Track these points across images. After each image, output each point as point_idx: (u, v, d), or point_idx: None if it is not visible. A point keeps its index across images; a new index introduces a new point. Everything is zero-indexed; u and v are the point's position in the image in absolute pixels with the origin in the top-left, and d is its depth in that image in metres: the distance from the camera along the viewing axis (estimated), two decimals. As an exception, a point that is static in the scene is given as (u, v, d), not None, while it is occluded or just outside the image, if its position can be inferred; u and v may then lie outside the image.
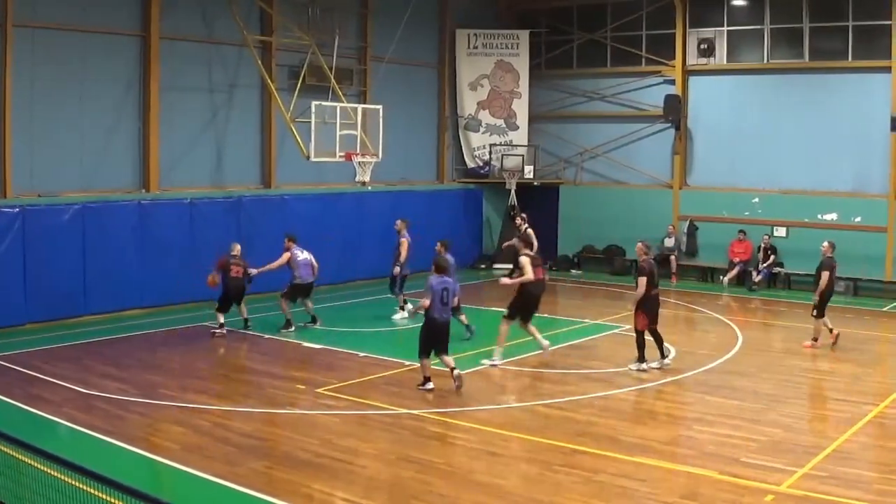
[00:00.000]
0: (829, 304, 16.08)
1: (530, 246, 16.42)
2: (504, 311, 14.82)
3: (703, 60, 24.50)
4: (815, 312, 15.91)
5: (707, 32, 24.43)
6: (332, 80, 20.24)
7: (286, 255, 16.82)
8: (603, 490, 9.11)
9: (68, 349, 15.19)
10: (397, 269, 17.95)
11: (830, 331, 16.09)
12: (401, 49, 22.98)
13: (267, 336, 16.54)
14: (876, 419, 11.72)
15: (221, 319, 16.43)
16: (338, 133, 19.12)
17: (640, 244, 14.38)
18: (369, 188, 21.46)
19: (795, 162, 23.23)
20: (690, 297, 21.73)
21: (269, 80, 20.38)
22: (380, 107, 20.52)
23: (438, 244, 15.92)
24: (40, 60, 17.30)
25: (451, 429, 11.18)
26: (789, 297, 21.62)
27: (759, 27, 23.72)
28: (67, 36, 17.70)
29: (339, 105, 19.38)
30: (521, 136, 27.13)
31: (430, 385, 12.81)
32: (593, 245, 26.24)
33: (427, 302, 12.52)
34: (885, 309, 20.48)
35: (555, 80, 27.20)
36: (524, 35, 27.05)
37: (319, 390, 12.82)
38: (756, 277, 22.86)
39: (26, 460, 7.48)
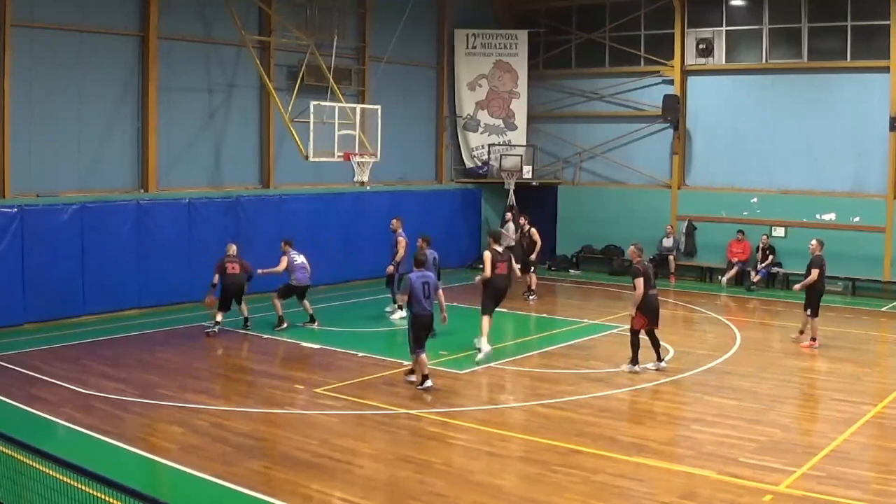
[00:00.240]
0: (821, 303, 16.18)
1: (497, 241, 16.14)
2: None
3: (702, 60, 24.51)
4: (808, 312, 15.96)
5: (706, 32, 24.44)
6: (331, 80, 20.23)
7: (285, 259, 16.87)
8: (601, 490, 9.12)
9: (67, 349, 15.19)
10: (391, 268, 17.97)
11: (801, 332, 16.32)
12: (399, 49, 22.98)
13: (265, 336, 16.53)
14: (874, 419, 11.73)
15: (219, 318, 16.43)
16: (336, 133, 19.13)
17: (632, 247, 14.36)
18: (368, 188, 21.47)
19: (794, 162, 23.25)
20: (689, 297, 21.74)
21: (267, 80, 20.38)
22: (378, 107, 20.54)
23: (420, 239, 15.98)
24: (39, 60, 17.30)
25: (449, 429, 11.17)
26: (788, 297, 21.61)
27: (757, 27, 23.72)
28: (66, 36, 17.70)
29: (337, 105, 19.37)
30: (519, 136, 27.14)
31: (429, 383, 12.78)
32: (592, 245, 26.25)
33: (406, 299, 12.82)
34: (883, 309, 20.50)
35: (553, 80, 27.21)
36: (523, 35, 27.06)
37: (318, 390, 12.82)
38: (754, 277, 22.87)
39: (25, 460, 7.47)
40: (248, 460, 9.88)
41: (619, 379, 13.67)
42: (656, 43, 25.31)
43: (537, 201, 25.63)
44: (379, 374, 13.80)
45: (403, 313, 18.03)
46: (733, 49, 24.20)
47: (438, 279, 14.11)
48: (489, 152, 26.82)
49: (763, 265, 22.91)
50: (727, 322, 18.76)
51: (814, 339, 15.92)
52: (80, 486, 6.47)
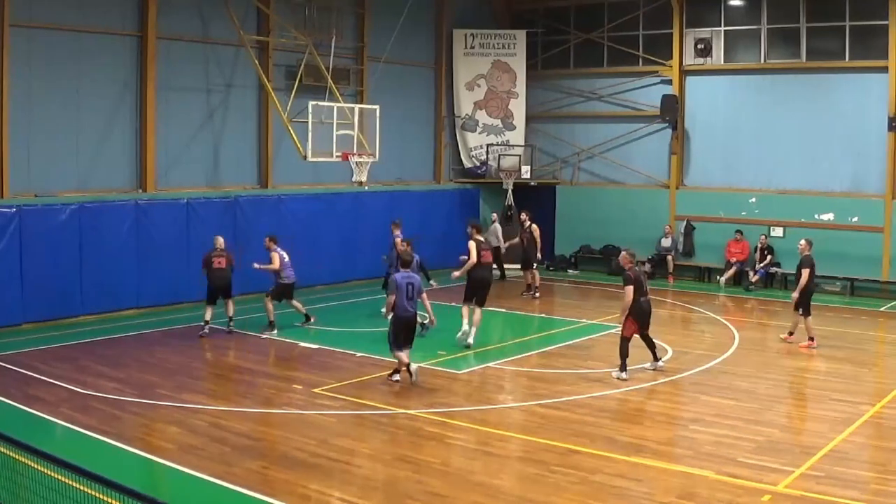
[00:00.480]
0: (815, 302, 16.31)
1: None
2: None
3: (700, 60, 24.52)
4: (800, 311, 16.02)
5: (704, 32, 24.44)
6: (329, 80, 20.23)
7: (276, 256, 16.77)
8: (599, 490, 9.12)
9: (65, 349, 15.18)
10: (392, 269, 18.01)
11: (791, 333, 16.37)
12: (397, 49, 22.98)
13: (264, 336, 16.52)
14: (873, 419, 11.73)
15: (207, 316, 16.37)
16: (334, 133, 19.12)
17: (624, 253, 14.25)
18: (366, 188, 21.47)
19: (792, 162, 23.26)
20: (687, 297, 21.75)
21: (265, 81, 20.38)
22: (377, 107, 20.53)
23: (404, 244, 16.06)
24: (37, 61, 17.29)
25: (447, 429, 11.17)
26: (786, 297, 21.44)
27: (755, 27, 23.73)
28: (64, 36, 17.69)
29: (335, 105, 19.37)
30: (517, 136, 27.14)
31: (398, 377, 13.17)
32: (590, 245, 26.25)
33: (392, 299, 12.96)
34: (881, 309, 20.51)
35: (552, 80, 27.22)
36: (521, 35, 27.06)
37: (316, 390, 12.82)
38: (753, 277, 22.87)
39: (23, 460, 7.47)
40: (247, 460, 9.88)
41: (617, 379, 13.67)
42: (654, 43, 25.32)
43: (536, 201, 25.59)
44: (377, 374, 13.78)
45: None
46: (732, 49, 24.20)
47: (428, 279, 14.38)
48: (487, 152, 26.82)
49: (761, 265, 22.91)
50: (725, 322, 18.76)
51: (811, 339, 15.92)
52: (78, 486, 6.48)
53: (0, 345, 15.05)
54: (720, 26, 24.26)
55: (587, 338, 16.93)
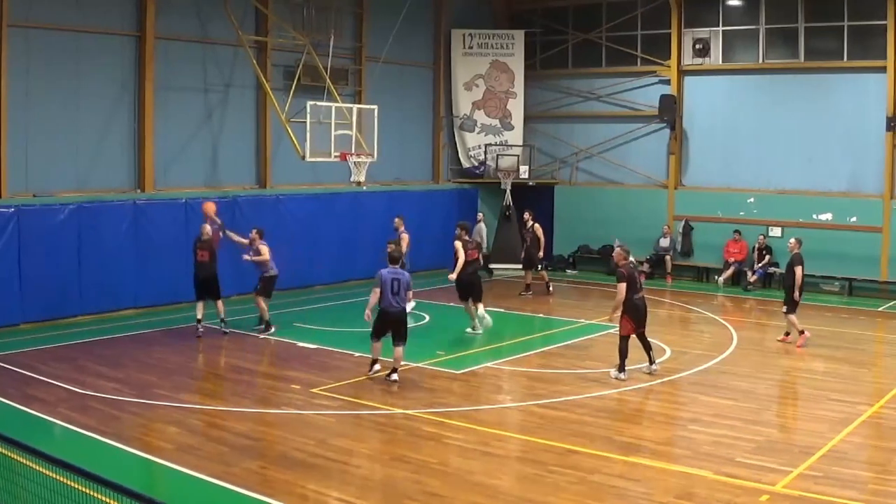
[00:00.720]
0: (801, 301, 16.37)
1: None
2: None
3: (699, 60, 24.52)
4: (785, 309, 16.17)
5: (702, 32, 24.45)
6: (328, 80, 20.24)
7: (265, 248, 16.66)
8: (598, 490, 9.12)
9: (63, 349, 15.17)
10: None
11: (787, 334, 16.41)
12: (396, 49, 22.98)
13: (262, 336, 16.51)
14: (871, 419, 11.74)
15: (199, 314, 16.30)
16: (333, 133, 19.11)
17: (618, 249, 14.20)
18: (364, 188, 21.47)
19: (791, 162, 23.27)
20: (685, 297, 21.76)
21: (264, 80, 20.38)
22: (375, 107, 20.52)
23: (390, 245, 16.06)
24: (35, 61, 17.27)
25: (445, 429, 11.17)
26: (784, 297, 21.63)
27: (754, 27, 23.74)
28: (62, 36, 17.67)
29: (334, 105, 19.37)
30: (516, 136, 27.14)
31: (378, 367, 13.41)
32: (589, 245, 26.26)
33: (375, 297, 13.10)
34: (880, 309, 20.52)
35: (550, 80, 27.22)
36: (519, 35, 27.06)
37: (314, 390, 12.81)
38: (751, 277, 22.88)
39: (21, 460, 7.46)
40: (245, 460, 9.87)
41: (616, 379, 13.67)
42: (653, 43, 25.32)
43: (534, 201, 25.54)
44: (376, 374, 13.77)
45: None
46: (730, 49, 24.21)
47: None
48: (486, 152, 26.81)
49: (760, 265, 22.92)
50: (724, 322, 18.77)
51: (802, 332, 15.95)
52: (76, 486, 6.46)
53: (-2, 345, 15.06)
54: (718, 26, 24.27)
55: (586, 338, 16.94)
